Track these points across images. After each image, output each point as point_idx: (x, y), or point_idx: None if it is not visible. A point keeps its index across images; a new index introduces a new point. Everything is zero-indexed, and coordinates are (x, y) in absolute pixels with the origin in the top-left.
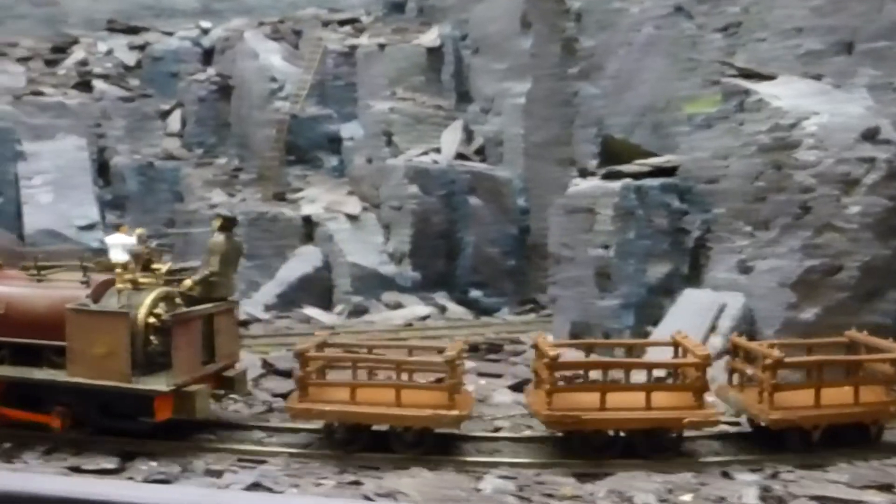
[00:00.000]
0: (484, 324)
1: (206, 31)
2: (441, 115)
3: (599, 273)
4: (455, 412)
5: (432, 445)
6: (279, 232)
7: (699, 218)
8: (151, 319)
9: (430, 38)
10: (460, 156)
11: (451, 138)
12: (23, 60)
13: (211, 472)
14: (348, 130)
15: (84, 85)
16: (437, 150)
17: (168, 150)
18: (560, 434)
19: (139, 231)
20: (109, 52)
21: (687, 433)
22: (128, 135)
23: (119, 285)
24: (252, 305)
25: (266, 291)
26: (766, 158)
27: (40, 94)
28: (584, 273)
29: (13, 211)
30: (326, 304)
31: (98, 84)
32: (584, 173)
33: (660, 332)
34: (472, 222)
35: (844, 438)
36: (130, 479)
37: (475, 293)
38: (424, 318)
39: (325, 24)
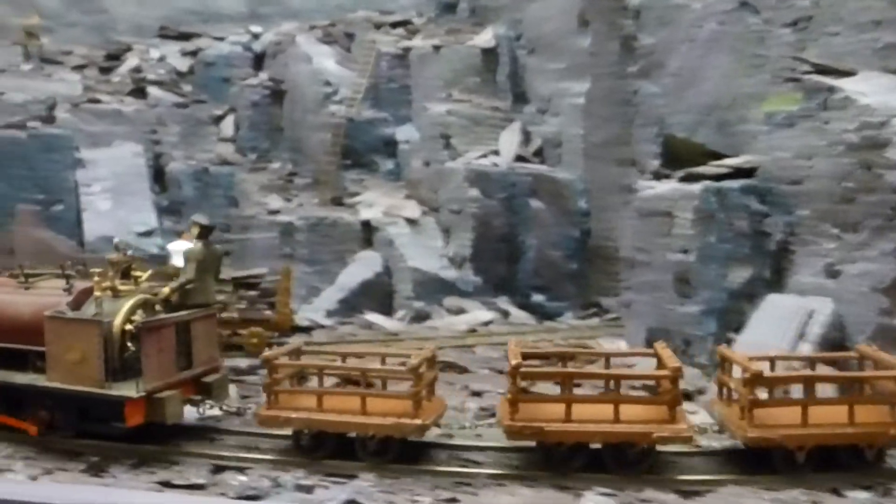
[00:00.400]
0: (549, 329)
1: (256, 36)
2: (498, 117)
3: (679, 278)
4: (418, 421)
5: (397, 454)
6: (338, 237)
7: (781, 220)
8: (129, 326)
9: (485, 38)
10: (519, 158)
11: (509, 140)
12: (78, 68)
13: (301, 488)
14: (404, 133)
15: (139, 92)
16: (496, 153)
17: (222, 156)
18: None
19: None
20: (162, 59)
21: None
22: (182, 140)
23: (97, 293)
24: (313, 311)
25: (327, 297)
26: (855, 158)
27: (97, 101)
28: (661, 278)
29: (73, 218)
30: (387, 310)
31: (153, 90)
32: (658, 175)
33: (743, 339)
34: (534, 225)
35: (838, 461)
36: (222, 494)
37: (537, 297)
38: (487, 323)
39: (378, 26)
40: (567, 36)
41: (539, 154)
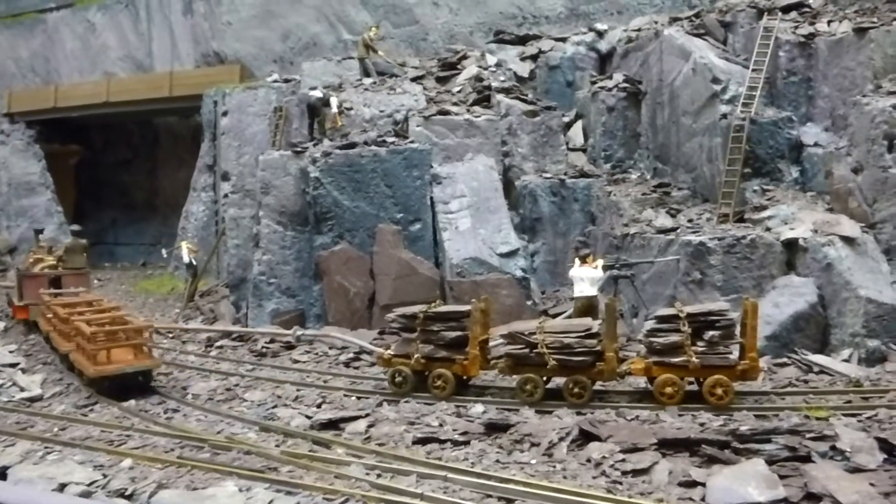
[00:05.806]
0: None
1: (601, 34)
2: None
3: None
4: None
5: None
6: (758, 260)
7: None
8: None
9: None
10: None
11: None
12: (416, 80)
13: None
14: (811, 135)
15: (483, 101)
16: None
17: (577, 167)
18: None
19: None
20: (499, 65)
21: None
22: (532, 151)
23: (30, 260)
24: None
25: None
26: None
27: (446, 112)
28: None
29: (430, 237)
30: (820, 348)
31: (500, 98)
32: None
33: None
34: None
35: None
36: None
37: None
38: None
39: (767, 11)
40: None
41: None
